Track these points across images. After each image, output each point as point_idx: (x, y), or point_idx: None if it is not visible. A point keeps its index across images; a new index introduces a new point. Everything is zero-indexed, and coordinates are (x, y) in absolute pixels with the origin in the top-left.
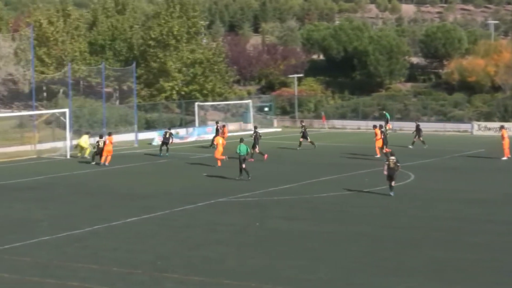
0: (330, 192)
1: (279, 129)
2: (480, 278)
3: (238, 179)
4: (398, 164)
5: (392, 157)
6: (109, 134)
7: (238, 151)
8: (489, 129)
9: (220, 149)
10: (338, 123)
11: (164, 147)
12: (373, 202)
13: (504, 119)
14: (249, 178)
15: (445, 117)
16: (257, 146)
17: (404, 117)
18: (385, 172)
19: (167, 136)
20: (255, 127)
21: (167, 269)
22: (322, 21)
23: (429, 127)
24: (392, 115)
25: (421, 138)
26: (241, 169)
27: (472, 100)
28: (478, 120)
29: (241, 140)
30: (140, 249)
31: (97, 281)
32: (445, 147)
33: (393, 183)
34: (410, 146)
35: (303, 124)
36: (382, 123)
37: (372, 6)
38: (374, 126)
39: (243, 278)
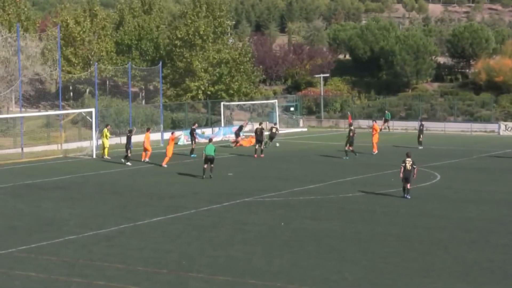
0: (356, 192)
1: (305, 129)
2: (509, 279)
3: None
4: (415, 166)
5: (409, 159)
6: (147, 129)
7: (204, 151)
8: None
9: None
10: (364, 123)
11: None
12: (400, 202)
13: None
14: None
15: (472, 117)
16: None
17: (431, 117)
18: (401, 175)
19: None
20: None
21: (193, 269)
22: (348, 21)
23: (456, 127)
24: (419, 114)
25: (420, 138)
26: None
27: (499, 100)
28: (505, 120)
29: (210, 140)
30: (166, 249)
31: (123, 280)
32: (472, 147)
33: (408, 186)
34: (420, 147)
35: (352, 127)
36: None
37: (399, 6)
38: (374, 121)
39: (269, 278)
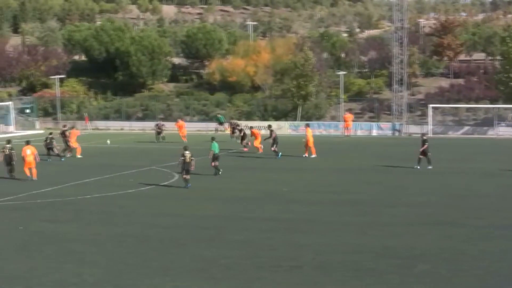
0: (95, 194)
1: (42, 131)
2: (245, 274)
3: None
4: (193, 158)
5: (187, 152)
6: None
7: (213, 149)
8: (251, 128)
9: None
10: (101, 124)
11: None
12: (138, 202)
13: (263, 118)
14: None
15: (208, 117)
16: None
17: (168, 117)
18: (181, 166)
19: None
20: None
21: None
22: (83, 22)
23: (192, 127)
24: (156, 115)
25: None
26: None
27: (233, 100)
28: (239, 119)
29: (213, 138)
30: None
31: None
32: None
33: (188, 177)
34: (417, 167)
35: (271, 129)
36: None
37: (133, 7)
38: (307, 125)
39: (7, 284)
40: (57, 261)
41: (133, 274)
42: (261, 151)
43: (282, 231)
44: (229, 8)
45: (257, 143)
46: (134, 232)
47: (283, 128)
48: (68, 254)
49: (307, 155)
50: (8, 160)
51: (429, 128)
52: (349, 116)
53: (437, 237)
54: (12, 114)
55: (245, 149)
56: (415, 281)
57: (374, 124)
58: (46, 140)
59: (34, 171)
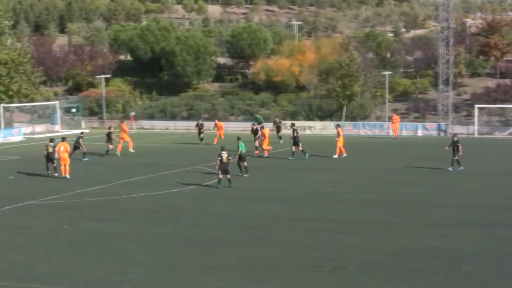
0: (140, 193)
1: (87, 130)
2: (288, 274)
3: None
4: (230, 158)
5: (224, 152)
6: None
7: (240, 149)
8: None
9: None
10: (146, 123)
11: None
12: (182, 202)
13: (308, 118)
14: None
15: (252, 117)
16: (257, 141)
17: (212, 117)
18: (217, 167)
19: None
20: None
21: None
22: (129, 22)
23: (237, 127)
24: (200, 115)
25: (455, 157)
26: (240, 165)
27: (278, 100)
28: (284, 119)
29: (239, 138)
30: None
31: None
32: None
33: (228, 176)
34: (450, 168)
35: (294, 128)
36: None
37: (179, 7)
38: (337, 125)
39: (53, 282)
40: (102, 259)
41: (177, 273)
42: (266, 153)
43: (326, 231)
44: (274, 8)
45: (265, 145)
46: (178, 231)
47: (328, 128)
48: (113, 252)
49: (337, 156)
50: (50, 158)
51: (475, 129)
52: (397, 118)
53: (484, 238)
54: (58, 114)
55: (256, 152)
56: (460, 282)
57: (419, 124)
58: (76, 140)
59: (67, 168)
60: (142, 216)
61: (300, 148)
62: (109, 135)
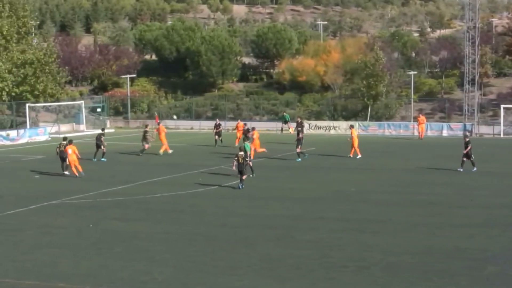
0: (164, 192)
1: (112, 130)
2: (313, 274)
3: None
4: (247, 159)
5: (241, 153)
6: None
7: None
8: (320, 127)
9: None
10: (171, 123)
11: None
12: (207, 202)
13: (333, 118)
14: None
15: (277, 116)
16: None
17: (237, 117)
18: (234, 168)
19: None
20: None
21: None
22: (154, 21)
23: (261, 126)
24: (225, 115)
25: (471, 158)
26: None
27: (303, 100)
28: (309, 119)
29: (244, 139)
30: None
31: None
32: (279, 146)
33: (244, 177)
34: (475, 169)
35: (300, 128)
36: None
37: (204, 7)
38: (351, 126)
39: (77, 281)
40: (127, 259)
41: (201, 273)
42: (252, 157)
43: (350, 231)
44: (299, 7)
45: (257, 148)
46: (203, 231)
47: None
48: (137, 252)
49: (352, 156)
50: (63, 156)
51: (501, 129)
52: (423, 119)
53: (509, 239)
54: (84, 113)
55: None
56: (485, 283)
57: (444, 124)
58: (96, 136)
59: (79, 167)
60: (166, 216)
61: (297, 150)
62: (145, 134)
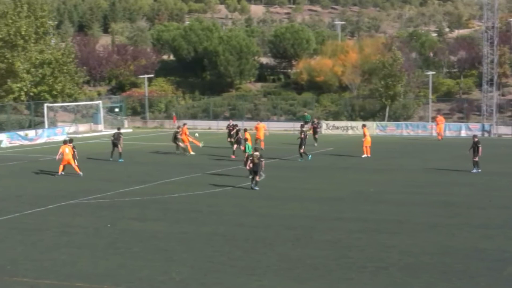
0: (182, 192)
1: (130, 130)
2: (331, 275)
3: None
4: (262, 160)
5: (256, 153)
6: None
7: (247, 151)
8: (337, 128)
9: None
10: (189, 123)
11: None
12: (225, 202)
13: (351, 118)
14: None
15: (295, 117)
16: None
17: (255, 117)
18: (248, 167)
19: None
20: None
21: (18, 274)
22: (172, 22)
23: (279, 127)
24: (243, 114)
25: (476, 158)
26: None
27: (321, 100)
28: (326, 119)
29: (246, 140)
30: None
31: None
32: (295, 146)
33: (257, 178)
34: (474, 170)
35: (303, 129)
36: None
37: (222, 7)
38: (363, 126)
39: (95, 280)
40: (145, 258)
41: (219, 273)
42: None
43: (369, 231)
44: (317, 7)
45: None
46: (221, 231)
47: (371, 128)
48: (155, 252)
49: (367, 155)
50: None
51: None
52: (441, 119)
53: None
54: (101, 113)
55: (233, 156)
56: (504, 284)
57: (463, 125)
58: (113, 136)
59: (76, 168)
60: (184, 216)
61: (301, 150)
62: (175, 135)
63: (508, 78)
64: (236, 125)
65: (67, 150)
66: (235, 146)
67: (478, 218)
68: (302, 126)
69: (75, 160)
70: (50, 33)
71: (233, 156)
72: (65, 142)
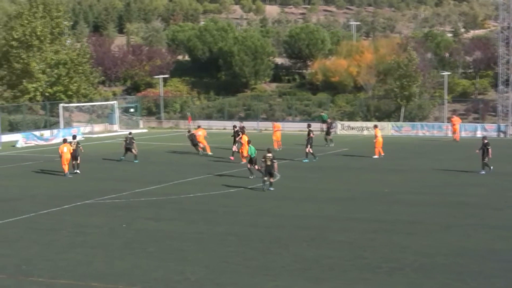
0: (197, 193)
1: (145, 130)
2: (347, 275)
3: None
4: (275, 161)
5: (269, 154)
6: None
7: (249, 153)
8: (352, 128)
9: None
10: (204, 123)
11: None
12: (240, 202)
13: (366, 118)
14: (252, 177)
15: (310, 117)
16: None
17: (270, 117)
18: (261, 168)
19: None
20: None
21: (33, 273)
22: (187, 22)
23: (294, 127)
24: (258, 114)
25: (485, 160)
26: (250, 169)
27: (336, 100)
28: (341, 119)
29: (249, 142)
30: (5, 253)
31: None
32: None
33: (271, 180)
34: (483, 172)
35: (310, 129)
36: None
37: (237, 7)
38: (375, 126)
39: (111, 280)
40: (159, 258)
41: (234, 273)
42: (244, 160)
43: (384, 232)
44: (332, 8)
45: (245, 152)
46: (235, 231)
47: (386, 128)
48: (170, 252)
49: (379, 155)
50: (73, 155)
51: None
52: (457, 119)
53: None
54: (117, 113)
55: (232, 158)
56: None
57: (478, 125)
58: (125, 140)
59: (69, 167)
60: (199, 216)
61: (307, 150)
62: (192, 140)
63: None
64: (243, 127)
65: (65, 149)
66: (234, 147)
67: (493, 219)
68: (309, 126)
69: (78, 158)
70: (66, 33)
71: (232, 158)
72: (64, 140)
